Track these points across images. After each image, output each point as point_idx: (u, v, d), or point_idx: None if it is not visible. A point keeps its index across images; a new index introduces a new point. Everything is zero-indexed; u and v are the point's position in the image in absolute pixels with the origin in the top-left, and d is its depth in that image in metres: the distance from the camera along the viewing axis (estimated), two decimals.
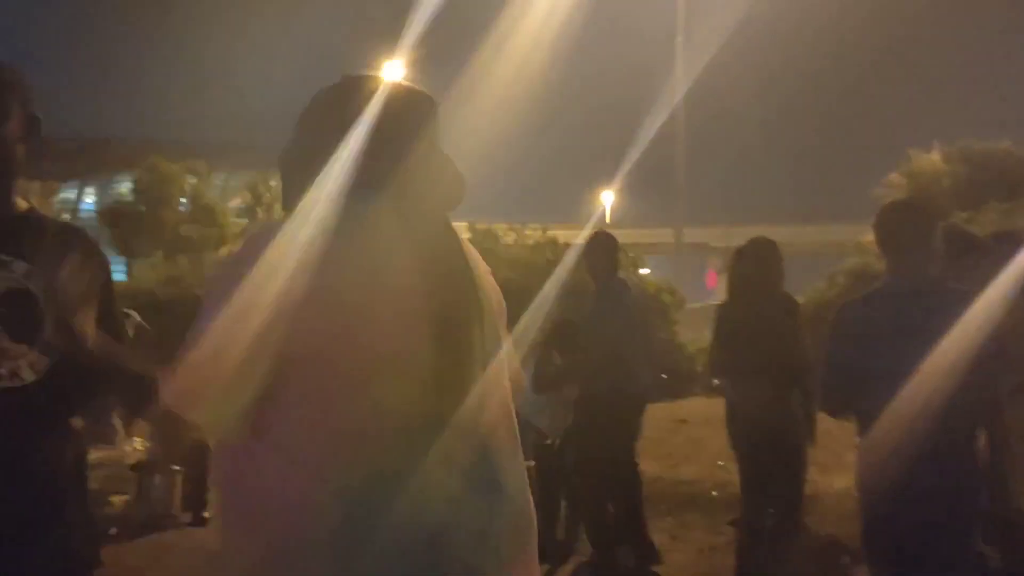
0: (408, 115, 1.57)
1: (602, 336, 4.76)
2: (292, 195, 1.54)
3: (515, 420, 1.62)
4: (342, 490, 1.37)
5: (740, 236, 5.52)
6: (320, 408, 1.40)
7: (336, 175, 1.48)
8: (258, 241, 1.45)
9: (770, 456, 4.31)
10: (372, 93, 1.56)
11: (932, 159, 25.87)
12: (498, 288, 1.73)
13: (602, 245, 5.05)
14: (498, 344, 1.60)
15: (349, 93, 1.58)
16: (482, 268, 1.65)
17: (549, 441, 5.10)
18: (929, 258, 2.72)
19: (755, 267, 4.52)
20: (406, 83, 1.67)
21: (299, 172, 1.54)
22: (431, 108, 1.62)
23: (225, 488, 1.50)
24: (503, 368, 1.61)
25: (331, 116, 1.56)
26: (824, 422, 6.75)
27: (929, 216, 2.85)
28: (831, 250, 23.94)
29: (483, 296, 1.59)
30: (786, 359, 4.31)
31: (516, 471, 1.56)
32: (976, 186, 23.57)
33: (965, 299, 2.54)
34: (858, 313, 2.80)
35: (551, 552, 5.25)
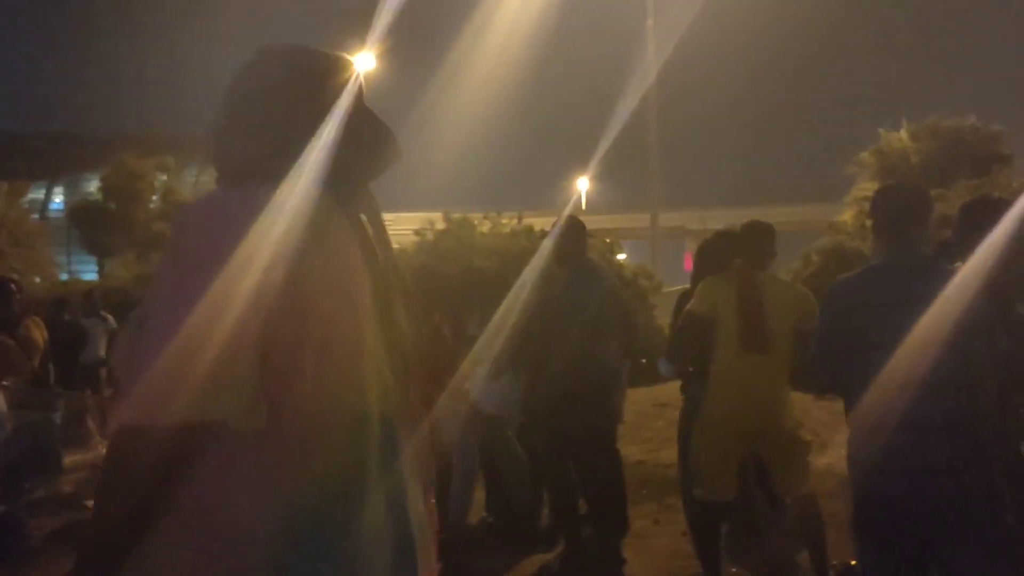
0: (340, 87, 1.51)
1: (575, 320, 4.74)
2: (236, 168, 1.47)
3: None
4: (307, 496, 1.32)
5: (715, 219, 5.54)
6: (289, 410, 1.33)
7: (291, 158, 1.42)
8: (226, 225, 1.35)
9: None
10: (315, 70, 1.51)
11: (900, 137, 26.08)
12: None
13: (569, 231, 5.04)
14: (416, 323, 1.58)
15: (295, 72, 1.51)
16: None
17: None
18: (923, 238, 2.80)
19: (716, 259, 4.60)
20: (324, 51, 1.58)
21: (246, 150, 1.47)
22: (353, 72, 1.56)
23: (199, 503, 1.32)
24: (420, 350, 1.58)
25: (277, 96, 1.49)
26: (806, 403, 6.84)
27: (926, 197, 2.92)
28: (804, 230, 24.12)
29: (403, 276, 1.57)
30: None
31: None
32: (945, 162, 23.81)
33: (955, 276, 2.59)
34: (851, 288, 2.84)
35: (536, 540, 5.26)
